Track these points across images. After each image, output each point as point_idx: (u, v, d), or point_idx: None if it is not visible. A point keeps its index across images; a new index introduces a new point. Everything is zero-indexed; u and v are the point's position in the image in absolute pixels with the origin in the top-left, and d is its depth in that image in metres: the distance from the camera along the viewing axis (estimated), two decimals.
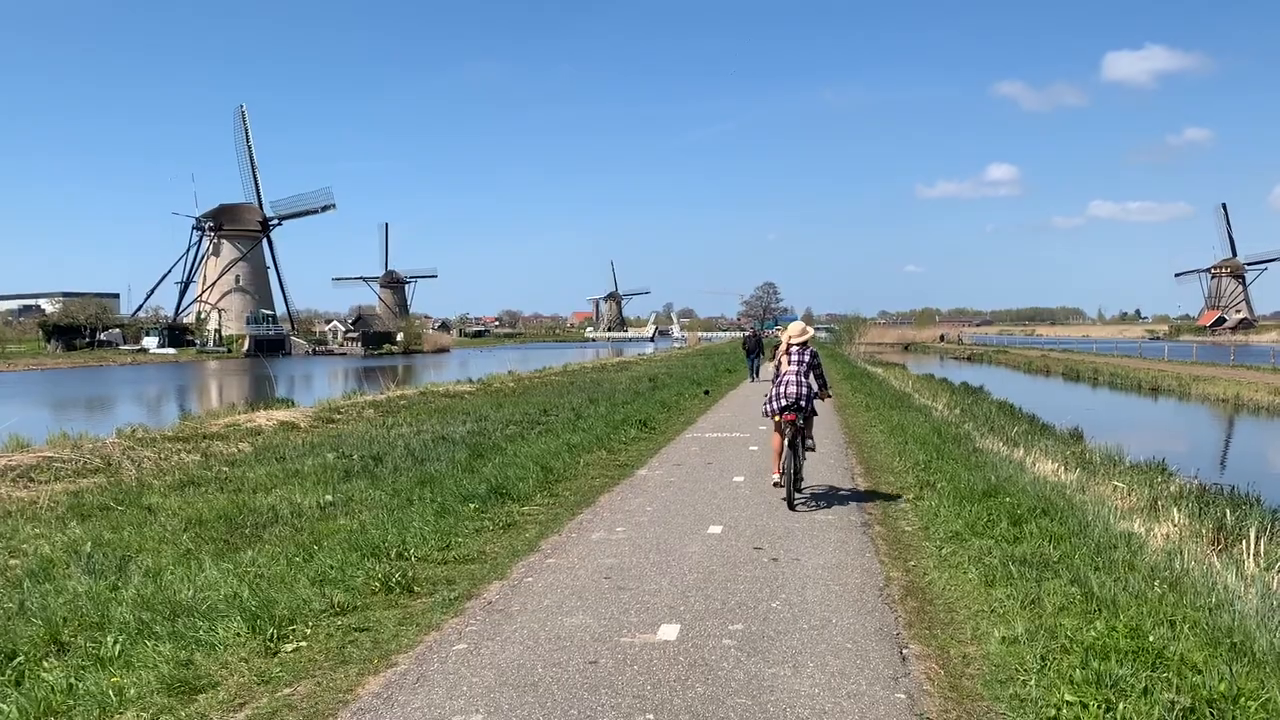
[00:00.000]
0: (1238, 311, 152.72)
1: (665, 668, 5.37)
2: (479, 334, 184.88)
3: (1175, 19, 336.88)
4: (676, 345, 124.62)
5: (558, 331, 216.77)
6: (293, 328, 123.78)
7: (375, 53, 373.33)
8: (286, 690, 5.12)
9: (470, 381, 35.59)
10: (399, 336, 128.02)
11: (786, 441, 10.57)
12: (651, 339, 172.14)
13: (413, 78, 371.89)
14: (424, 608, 6.58)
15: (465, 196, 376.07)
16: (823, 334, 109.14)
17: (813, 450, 11.30)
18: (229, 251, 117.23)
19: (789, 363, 10.70)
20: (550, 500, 10.85)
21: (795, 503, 10.44)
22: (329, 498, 10.94)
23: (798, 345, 10.75)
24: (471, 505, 9.87)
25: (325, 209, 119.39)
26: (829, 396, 12.00)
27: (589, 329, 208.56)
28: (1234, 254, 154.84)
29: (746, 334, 41.08)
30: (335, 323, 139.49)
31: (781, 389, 10.60)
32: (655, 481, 12.26)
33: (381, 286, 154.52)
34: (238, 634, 5.85)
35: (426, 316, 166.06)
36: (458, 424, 19.13)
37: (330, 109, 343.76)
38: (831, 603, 6.73)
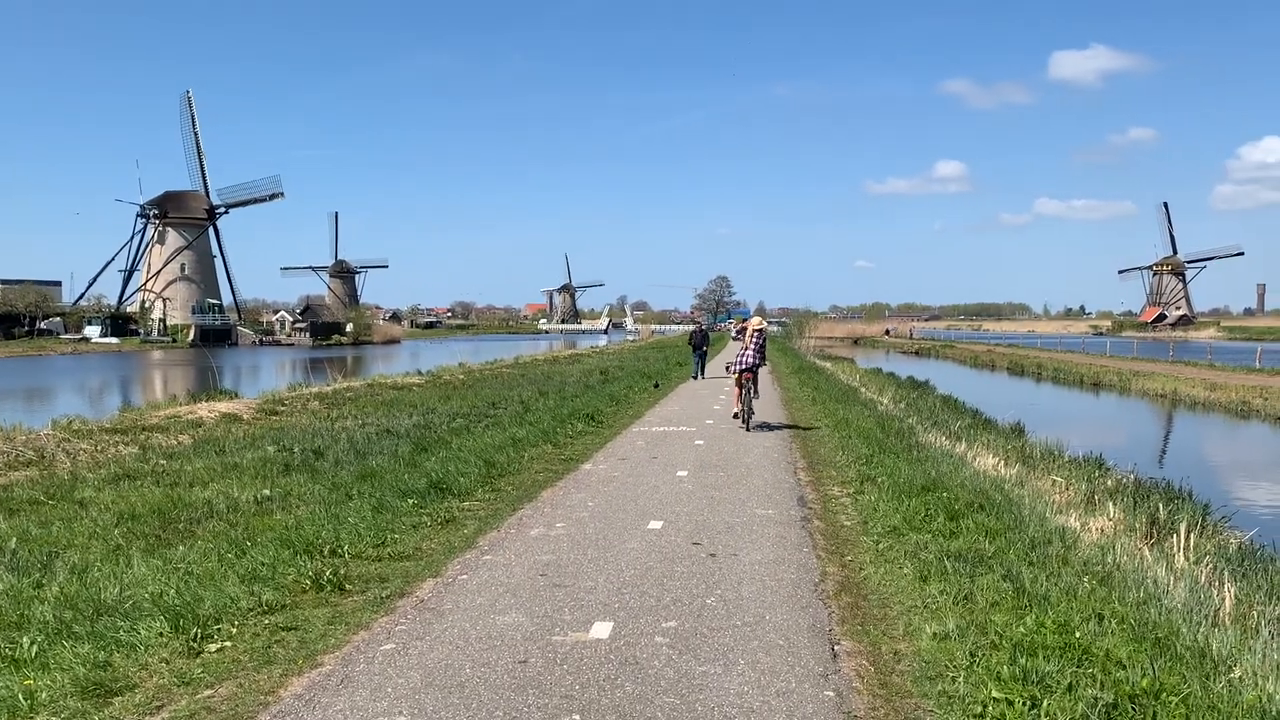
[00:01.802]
0: (1178, 308, 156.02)
1: (595, 666, 5.33)
2: (431, 325, 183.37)
3: (1118, 19, 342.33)
4: (630, 338, 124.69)
5: (511, 323, 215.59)
6: (239, 318, 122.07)
7: (324, 40, 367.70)
8: (207, 692, 4.99)
9: (419, 373, 35.29)
10: (348, 327, 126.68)
11: (743, 391, 17.46)
12: (605, 332, 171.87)
13: (363, 66, 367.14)
14: (354, 606, 6.48)
15: (417, 186, 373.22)
16: (774, 328, 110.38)
17: (757, 398, 18.11)
18: (174, 240, 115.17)
19: (750, 342, 17.43)
20: (491, 496, 10.75)
21: (750, 427, 17.25)
22: (266, 492, 10.78)
23: (756, 331, 17.70)
24: (410, 501, 9.74)
25: (273, 197, 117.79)
26: (765, 363, 18.16)
27: (542, 321, 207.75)
28: (1175, 252, 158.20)
29: (693, 328, 37.95)
30: (283, 313, 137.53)
31: (742, 358, 17.38)
32: (599, 476, 12.21)
33: (331, 276, 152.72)
34: (160, 634, 5.70)
35: (377, 307, 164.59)
36: (404, 417, 18.95)
37: (280, 96, 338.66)
38: (766, 599, 6.72)
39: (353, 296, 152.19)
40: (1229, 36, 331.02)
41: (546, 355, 56.30)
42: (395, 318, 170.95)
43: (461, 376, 34.57)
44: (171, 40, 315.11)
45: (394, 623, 6.13)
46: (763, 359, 17.61)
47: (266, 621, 6.09)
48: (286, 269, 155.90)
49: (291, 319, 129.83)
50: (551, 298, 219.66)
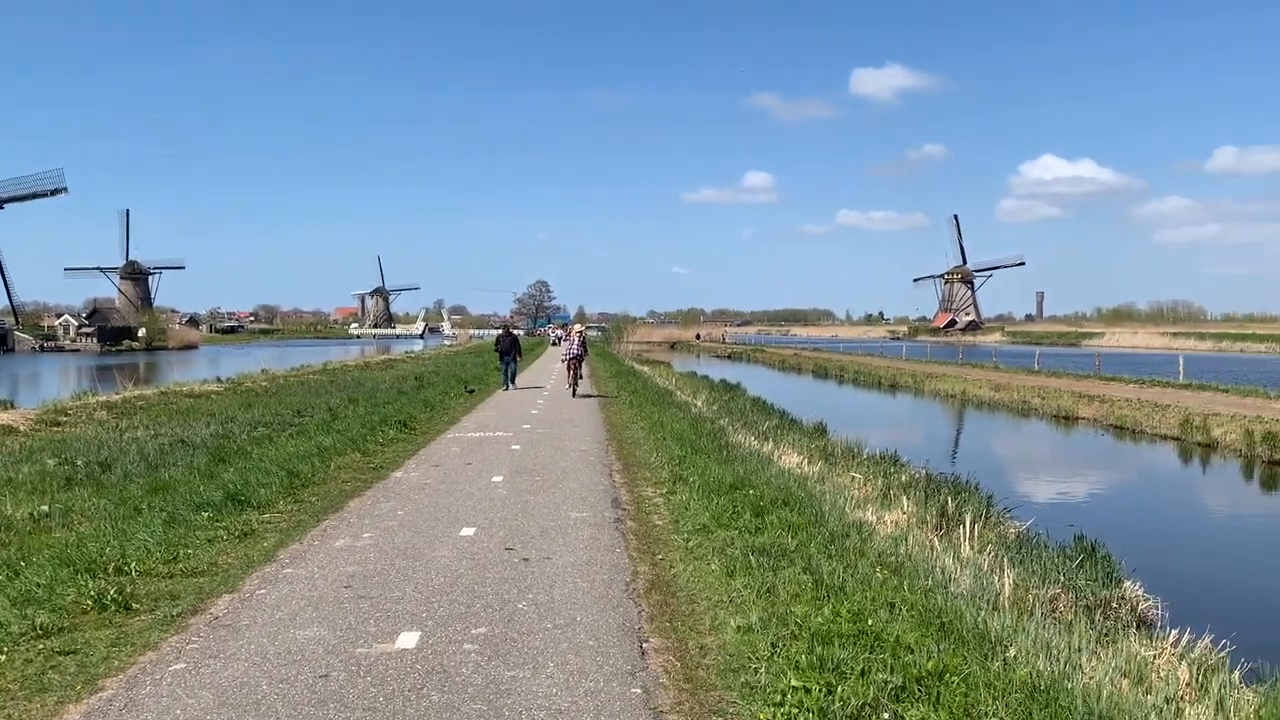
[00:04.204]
0: (967, 314, 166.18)
1: (401, 677, 5.20)
2: (232, 330, 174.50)
3: (913, 39, 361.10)
4: (447, 343, 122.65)
5: (320, 328, 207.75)
6: (17, 322, 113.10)
7: (115, 23, 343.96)
8: None
9: (219, 381, 33.56)
10: (141, 332, 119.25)
11: (572, 374, 27.52)
12: (421, 336, 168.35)
13: (159, 52, 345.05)
14: (142, 626, 6.09)
15: (218, 183, 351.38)
16: (594, 333, 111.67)
17: (582, 379, 28.59)
18: None
19: (575, 339, 28.22)
20: (295, 507, 10.34)
21: (576, 394, 26.67)
22: (45, 508, 10.04)
23: (578, 333, 29.10)
24: (205, 514, 9.26)
25: (55, 193, 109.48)
26: (587, 353, 30.44)
27: (354, 325, 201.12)
28: (964, 262, 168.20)
29: (500, 333, 33.25)
30: (67, 316, 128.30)
31: (570, 350, 28.03)
32: (410, 484, 11.95)
33: (121, 278, 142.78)
34: None
35: (173, 311, 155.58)
36: (201, 426, 18.00)
37: (63, 83, 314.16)
38: (578, 600, 6.75)
39: (146, 300, 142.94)
40: (1012, 60, 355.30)
41: (358, 361, 54.64)
42: (193, 322, 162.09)
43: (265, 383, 33.11)
44: None
45: (185, 641, 5.80)
46: (585, 350, 29.12)
47: (41, 646, 5.65)
48: (71, 270, 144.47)
49: (77, 323, 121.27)
50: (363, 301, 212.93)
